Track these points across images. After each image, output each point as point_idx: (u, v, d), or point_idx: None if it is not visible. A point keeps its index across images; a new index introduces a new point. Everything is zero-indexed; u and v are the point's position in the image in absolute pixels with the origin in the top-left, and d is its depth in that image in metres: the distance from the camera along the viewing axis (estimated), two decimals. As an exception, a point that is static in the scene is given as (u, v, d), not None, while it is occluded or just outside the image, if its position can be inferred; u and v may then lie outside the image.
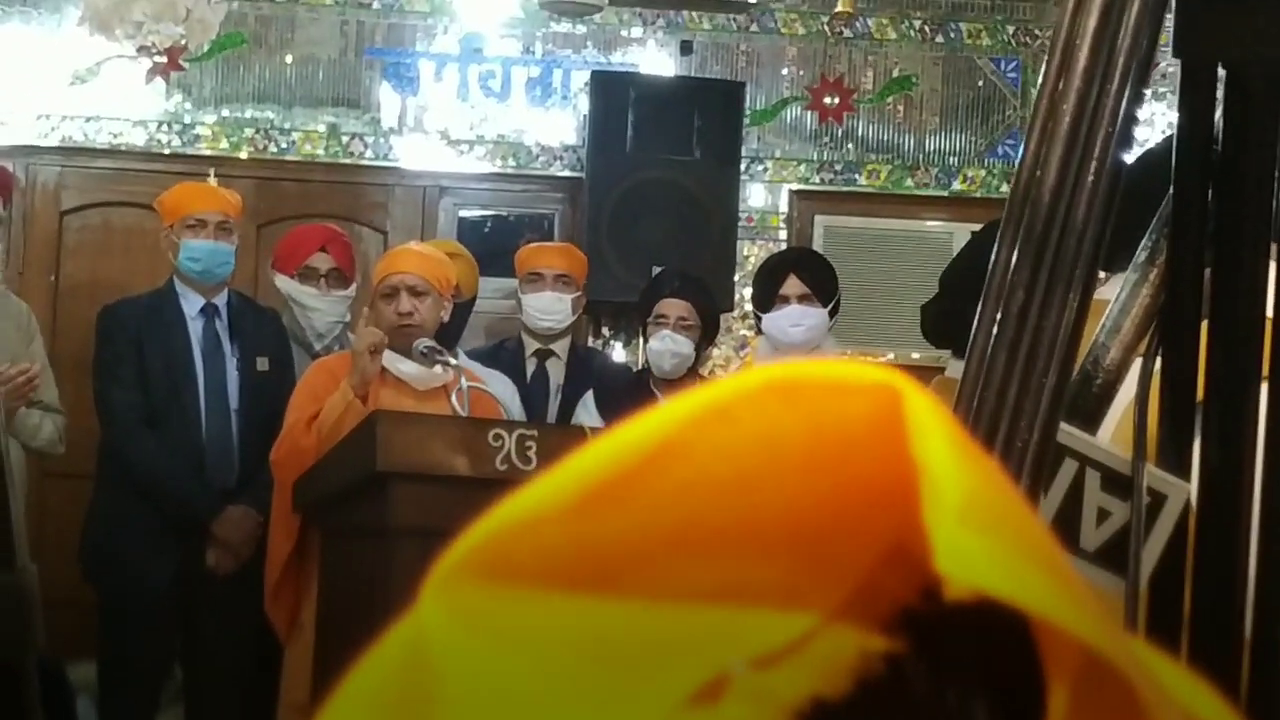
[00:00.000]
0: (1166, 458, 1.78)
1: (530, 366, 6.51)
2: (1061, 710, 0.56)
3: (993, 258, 1.69)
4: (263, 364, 5.94)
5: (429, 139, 8.15)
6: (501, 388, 5.74)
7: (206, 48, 7.38)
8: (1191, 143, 1.78)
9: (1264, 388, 1.75)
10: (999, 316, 1.66)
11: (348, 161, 8.13)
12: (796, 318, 5.97)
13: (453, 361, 5.28)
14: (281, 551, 5.32)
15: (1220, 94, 1.77)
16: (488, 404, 5.22)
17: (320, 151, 8.11)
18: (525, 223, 8.31)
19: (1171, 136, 1.82)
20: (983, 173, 8.39)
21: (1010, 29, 8.43)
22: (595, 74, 7.99)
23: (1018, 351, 1.65)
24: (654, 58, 8.28)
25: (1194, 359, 1.77)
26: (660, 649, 0.59)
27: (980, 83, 8.43)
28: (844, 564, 0.60)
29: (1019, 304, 1.65)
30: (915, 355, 7.59)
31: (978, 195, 8.32)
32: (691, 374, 6.16)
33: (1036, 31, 8.40)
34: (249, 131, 8.07)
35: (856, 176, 8.38)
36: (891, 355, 7.97)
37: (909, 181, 8.38)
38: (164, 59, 7.51)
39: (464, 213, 8.27)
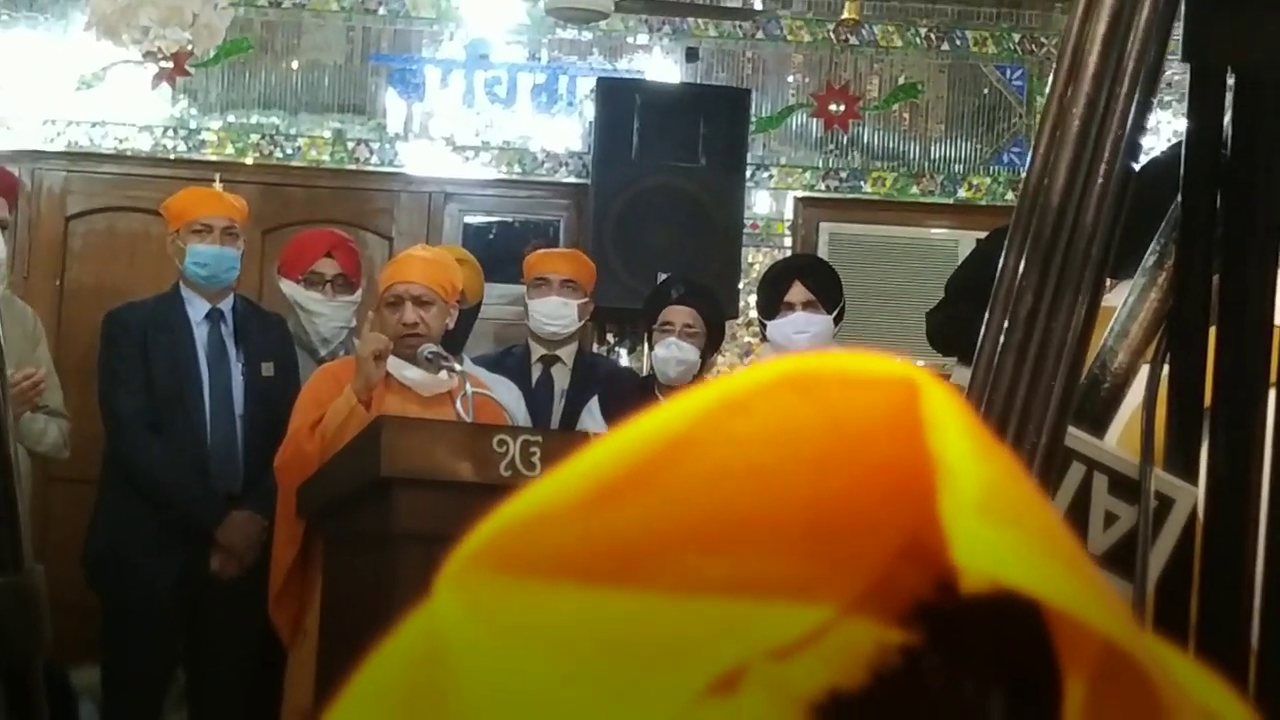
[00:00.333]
0: (1174, 462, 1.78)
1: (536, 372, 6.51)
2: (1078, 703, 0.56)
3: (1001, 262, 1.69)
4: (268, 369, 5.94)
5: (434, 145, 8.16)
6: (506, 393, 5.74)
7: (213, 53, 7.40)
8: (1200, 148, 1.77)
9: (1272, 393, 1.75)
10: (1007, 321, 1.66)
11: (353, 167, 8.13)
12: (801, 325, 5.97)
13: (457, 367, 5.28)
14: (285, 557, 5.32)
15: (1229, 99, 1.76)
16: (492, 410, 5.22)
17: (326, 157, 8.11)
18: (530, 229, 8.30)
19: (1180, 143, 1.82)
20: (988, 180, 8.39)
21: (1016, 37, 8.43)
22: (601, 80, 8.00)
23: (1026, 355, 1.65)
24: (659, 64, 8.29)
25: (1202, 364, 1.77)
26: (677, 641, 0.59)
27: (986, 90, 8.43)
28: (860, 557, 0.60)
29: (1027, 308, 1.65)
30: (920, 363, 7.54)
31: (983, 203, 8.32)
32: (697, 381, 6.15)
33: (1042, 39, 8.40)
34: (254, 137, 8.07)
35: (862, 184, 8.38)
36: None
37: (914, 189, 8.38)
38: (170, 64, 7.51)
39: (469, 219, 8.27)
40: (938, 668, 0.59)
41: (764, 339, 6.27)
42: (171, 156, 7.99)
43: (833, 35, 8.33)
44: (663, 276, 6.80)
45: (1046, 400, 1.64)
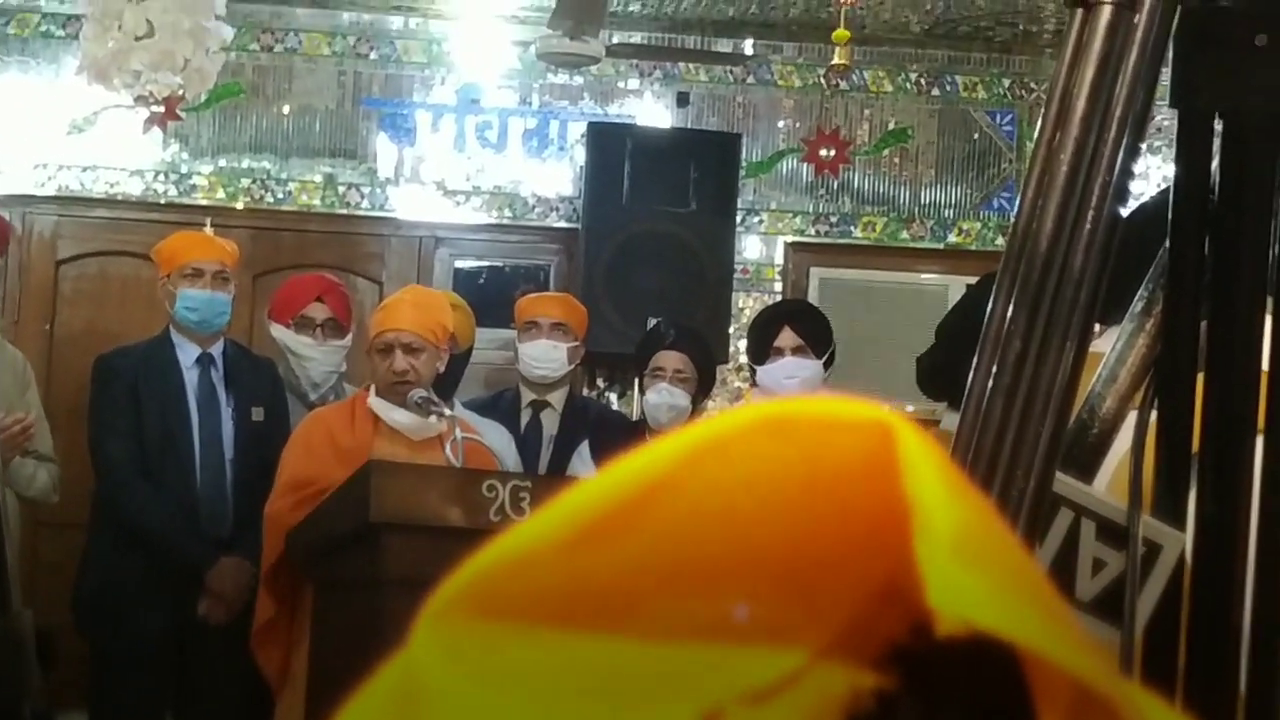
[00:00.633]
0: (1162, 508, 1.77)
1: (525, 417, 6.50)
2: (1055, 748, 0.56)
3: (990, 306, 1.69)
4: (258, 414, 5.93)
5: (425, 189, 8.16)
6: (497, 437, 5.73)
7: (204, 98, 7.39)
8: (1188, 193, 1.78)
9: (1259, 440, 1.75)
10: (995, 365, 1.66)
11: (344, 212, 8.13)
12: (791, 370, 5.96)
13: (447, 412, 5.27)
14: (266, 610, 5.29)
15: (1217, 145, 1.77)
16: (482, 455, 5.21)
17: (316, 201, 8.11)
18: (521, 274, 8.31)
19: (1168, 188, 1.82)
20: (978, 225, 8.40)
21: (1006, 82, 8.45)
22: (592, 125, 8.00)
23: (1014, 400, 1.64)
24: (650, 109, 8.30)
25: (1189, 410, 1.77)
26: (652, 686, 0.58)
27: (976, 135, 8.45)
28: (835, 600, 0.59)
29: (1016, 352, 1.65)
30: (910, 407, 7.57)
31: (973, 248, 8.33)
32: (687, 426, 6.14)
33: (1032, 85, 8.42)
34: (245, 181, 8.08)
35: (852, 229, 8.39)
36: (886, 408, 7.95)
37: (904, 234, 8.39)
38: (161, 109, 7.50)
39: (460, 263, 8.27)
40: (912, 711, 0.59)
41: (754, 384, 6.26)
42: (162, 201, 7.99)
43: (823, 80, 8.35)
44: (653, 321, 6.80)
45: (1035, 445, 1.64)
